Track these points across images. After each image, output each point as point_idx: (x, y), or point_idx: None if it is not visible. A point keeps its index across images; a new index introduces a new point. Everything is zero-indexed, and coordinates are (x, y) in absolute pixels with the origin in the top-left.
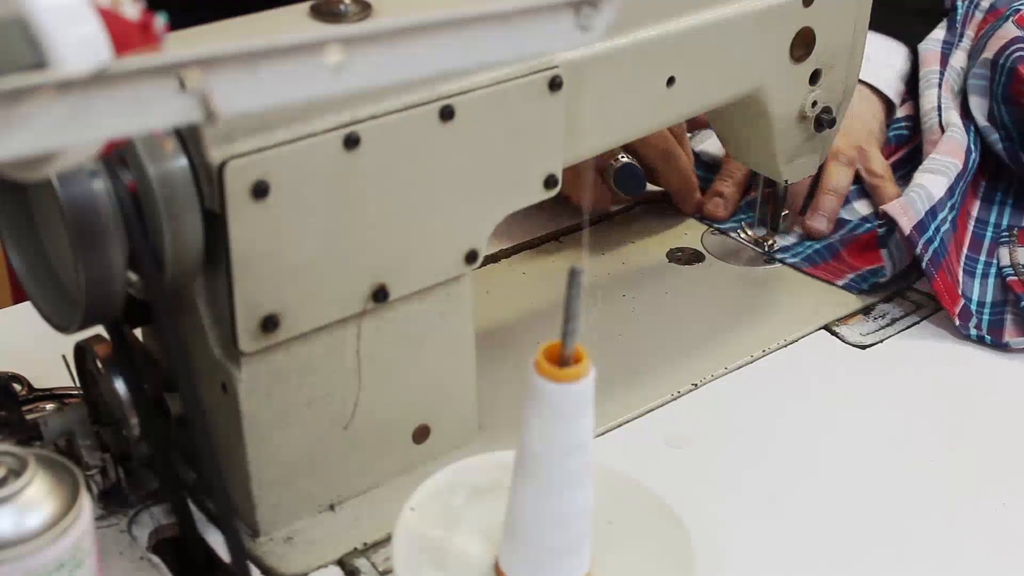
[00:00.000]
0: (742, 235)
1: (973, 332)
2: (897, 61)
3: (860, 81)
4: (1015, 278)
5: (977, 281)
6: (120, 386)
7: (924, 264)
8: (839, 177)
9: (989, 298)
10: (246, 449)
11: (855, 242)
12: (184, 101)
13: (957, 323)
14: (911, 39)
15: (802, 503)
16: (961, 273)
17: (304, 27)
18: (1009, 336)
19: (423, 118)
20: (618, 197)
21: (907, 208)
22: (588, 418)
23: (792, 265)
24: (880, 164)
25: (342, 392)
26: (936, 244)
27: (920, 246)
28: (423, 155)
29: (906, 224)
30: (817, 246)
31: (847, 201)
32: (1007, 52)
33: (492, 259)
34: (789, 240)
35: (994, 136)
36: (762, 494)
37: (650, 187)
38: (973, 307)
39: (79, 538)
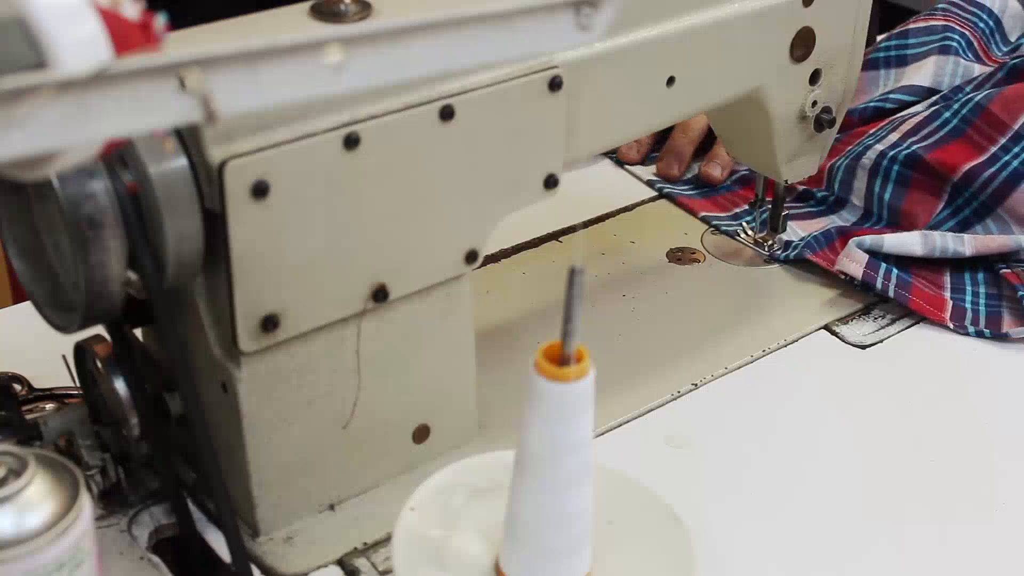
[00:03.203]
0: (742, 235)
1: (971, 330)
2: None
3: None
4: (1008, 271)
5: (967, 272)
6: (120, 386)
7: (892, 293)
8: None
9: (983, 288)
10: (246, 449)
11: (850, 234)
12: (184, 101)
13: (952, 326)
14: None
15: (802, 503)
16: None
17: (304, 27)
18: (1008, 327)
19: (423, 118)
20: None
21: (852, 255)
22: (588, 418)
23: (795, 258)
24: None
25: (342, 392)
26: (895, 270)
27: (880, 282)
28: (423, 155)
29: (857, 270)
30: (817, 233)
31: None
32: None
33: (492, 259)
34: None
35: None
36: (762, 494)
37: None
38: (967, 299)
39: (79, 538)
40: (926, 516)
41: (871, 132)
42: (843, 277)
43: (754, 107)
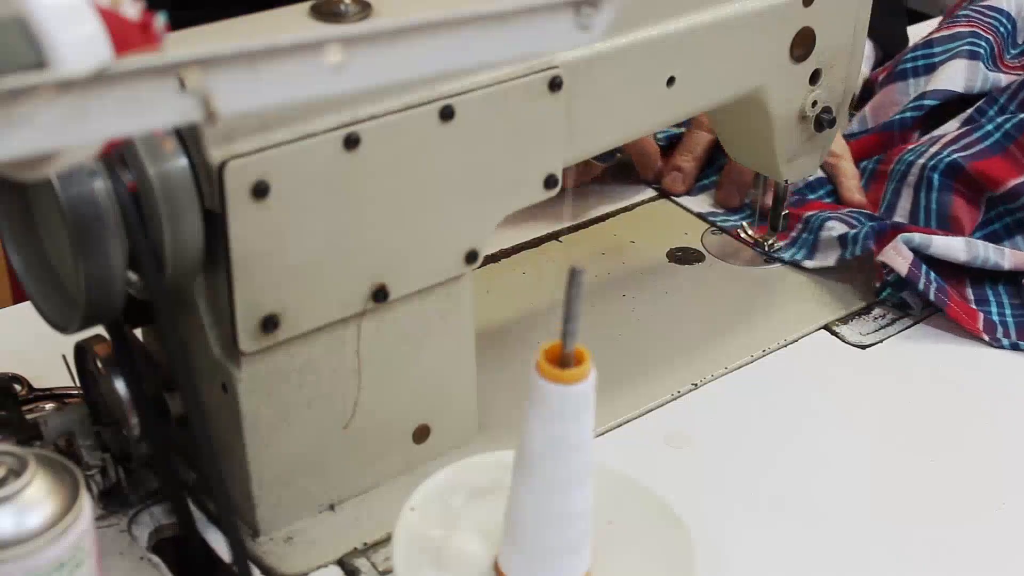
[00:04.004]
0: (742, 235)
1: (1005, 342)
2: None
3: None
4: None
5: (987, 282)
6: (120, 386)
7: (933, 296)
8: None
9: (1006, 299)
10: (246, 449)
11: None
12: (184, 101)
13: (987, 339)
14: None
15: (802, 503)
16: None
17: (304, 27)
18: None
19: (423, 118)
20: (592, 166)
21: (899, 250)
22: (588, 419)
23: (862, 253)
24: (839, 145)
25: (342, 392)
26: (933, 273)
27: (922, 283)
28: (423, 155)
29: (902, 266)
30: (871, 224)
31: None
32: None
33: (492, 259)
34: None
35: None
36: (762, 494)
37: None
38: (994, 311)
39: (79, 538)
40: (926, 516)
41: (910, 148)
42: (883, 270)
43: (754, 107)
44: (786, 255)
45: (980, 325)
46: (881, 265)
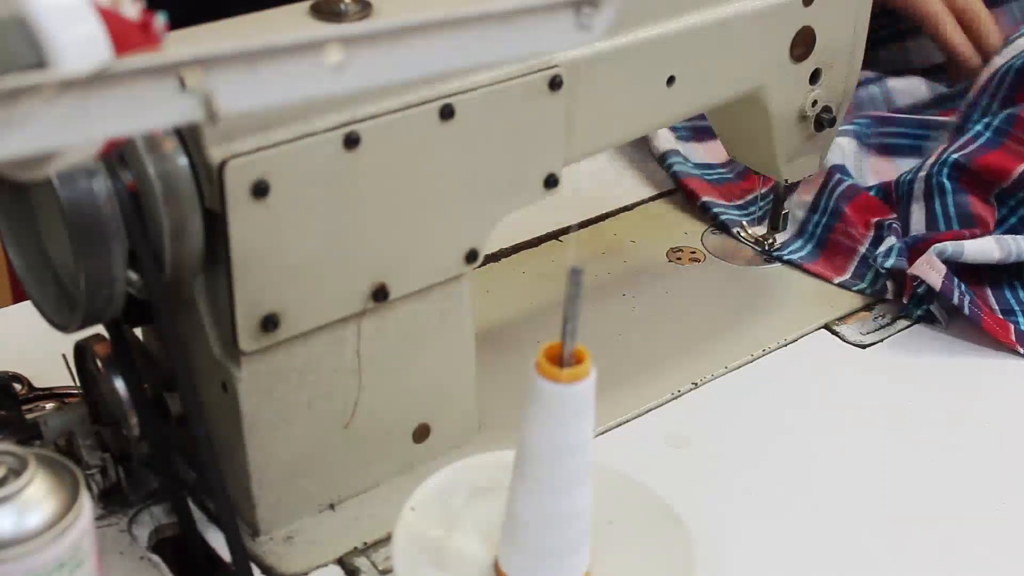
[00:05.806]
0: (742, 235)
1: None
2: None
3: None
4: None
5: (1006, 289)
6: (120, 386)
7: (967, 311)
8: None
9: None
10: (246, 449)
11: (855, 202)
12: (184, 101)
13: (1021, 351)
14: None
15: (802, 503)
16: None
17: (304, 27)
18: None
19: (423, 118)
20: None
21: (932, 263)
22: (588, 418)
23: (895, 267)
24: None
25: (342, 392)
26: (964, 285)
27: (956, 297)
28: (423, 155)
29: (936, 280)
30: (904, 240)
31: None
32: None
33: (492, 259)
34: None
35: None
36: (762, 494)
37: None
38: (1021, 321)
39: (79, 538)
40: (926, 515)
41: (905, 171)
42: (914, 283)
43: (754, 107)
44: (793, 256)
45: (1013, 337)
46: (912, 278)
